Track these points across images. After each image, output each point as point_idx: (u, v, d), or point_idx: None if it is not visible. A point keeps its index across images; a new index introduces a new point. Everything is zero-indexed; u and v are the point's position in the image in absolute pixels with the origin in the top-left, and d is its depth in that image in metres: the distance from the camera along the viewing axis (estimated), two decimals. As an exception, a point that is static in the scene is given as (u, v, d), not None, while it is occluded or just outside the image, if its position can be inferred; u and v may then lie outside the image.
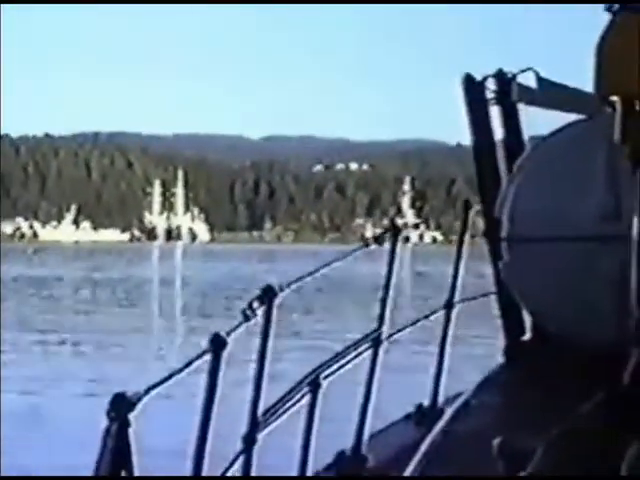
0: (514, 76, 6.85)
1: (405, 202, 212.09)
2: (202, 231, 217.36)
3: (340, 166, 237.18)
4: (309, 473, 5.61)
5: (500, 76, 6.87)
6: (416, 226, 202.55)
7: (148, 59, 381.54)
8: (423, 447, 5.74)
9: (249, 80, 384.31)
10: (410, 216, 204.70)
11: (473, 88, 6.85)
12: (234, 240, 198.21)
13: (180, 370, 4.07)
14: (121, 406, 3.47)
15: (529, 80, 6.86)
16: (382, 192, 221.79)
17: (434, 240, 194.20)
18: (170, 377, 3.97)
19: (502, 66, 6.92)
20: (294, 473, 5.57)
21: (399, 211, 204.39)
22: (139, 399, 3.57)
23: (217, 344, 4.32)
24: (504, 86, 6.85)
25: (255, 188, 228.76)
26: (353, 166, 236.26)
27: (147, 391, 3.68)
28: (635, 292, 5.81)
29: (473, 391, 6.63)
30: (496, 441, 4.02)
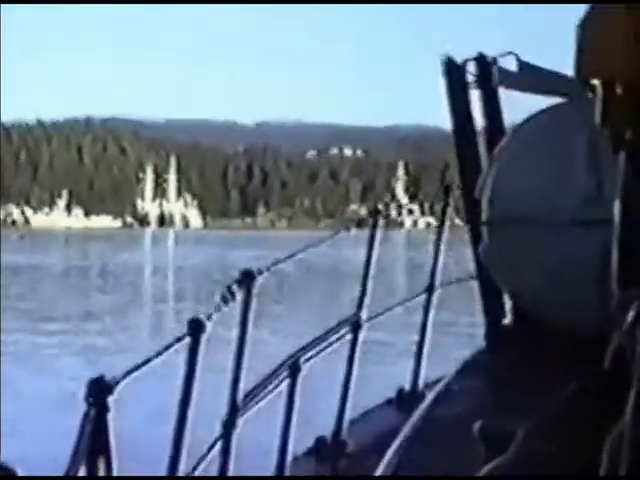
0: (495, 59, 6.83)
1: (399, 188, 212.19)
2: (195, 217, 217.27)
3: (334, 152, 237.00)
4: (289, 458, 5.60)
5: (481, 59, 6.85)
6: (410, 212, 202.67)
7: (141, 43, 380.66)
8: (403, 432, 5.73)
9: (243, 65, 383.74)
10: (404, 202, 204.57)
11: (454, 71, 6.84)
12: (227, 226, 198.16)
13: (159, 354, 4.06)
14: (99, 390, 3.46)
15: (510, 64, 6.85)
16: (376, 178, 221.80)
17: (428, 225, 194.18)
18: (148, 361, 3.96)
19: (499, 50, 6.90)
20: (274, 458, 5.56)
21: (393, 197, 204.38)
22: (117, 383, 3.55)
23: (196, 328, 4.32)
24: (485, 69, 6.83)
25: (248, 174, 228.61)
26: (347, 152, 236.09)
27: (125, 375, 3.66)
28: (616, 275, 5.80)
29: (454, 375, 6.62)
30: (477, 425, 4.01)
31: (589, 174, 6.56)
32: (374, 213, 6.43)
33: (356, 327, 6.26)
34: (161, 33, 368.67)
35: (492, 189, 6.82)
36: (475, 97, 6.99)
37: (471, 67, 6.88)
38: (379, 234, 6.38)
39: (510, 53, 6.79)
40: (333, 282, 48.18)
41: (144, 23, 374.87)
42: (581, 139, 6.45)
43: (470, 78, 6.89)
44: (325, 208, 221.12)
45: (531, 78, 6.83)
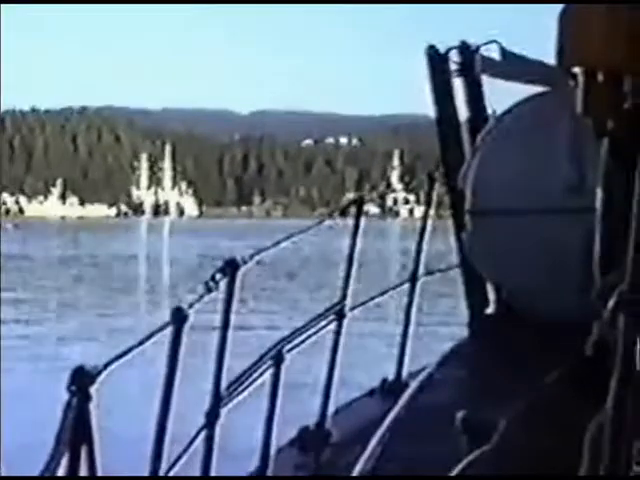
0: (478, 48, 6.81)
1: (394, 176, 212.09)
2: (190, 206, 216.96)
3: (329, 140, 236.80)
4: (273, 449, 5.59)
5: (464, 48, 6.83)
6: (406, 201, 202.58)
7: (136, 32, 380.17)
8: (386, 421, 5.72)
9: (239, 54, 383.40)
10: (399, 190, 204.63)
11: (436, 60, 6.81)
12: (223, 215, 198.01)
13: (140, 343, 4.04)
14: (81, 379, 3.44)
15: (493, 52, 6.83)
16: (371, 167, 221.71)
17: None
18: (130, 350, 3.94)
19: (491, 35, 6.88)
20: (257, 449, 5.55)
21: (388, 186, 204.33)
22: (99, 372, 3.53)
23: (178, 317, 4.30)
24: (468, 58, 6.81)
25: (244, 162, 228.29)
26: (342, 140, 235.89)
27: (107, 364, 3.65)
28: (598, 264, 5.78)
29: (437, 365, 6.61)
30: (459, 414, 4.00)
31: (571, 163, 6.56)
32: (358, 201, 6.42)
33: (340, 316, 6.25)
34: (156, 23, 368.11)
35: (475, 178, 6.81)
36: (458, 85, 6.97)
37: (454, 55, 6.86)
38: (362, 222, 6.37)
39: (494, 41, 6.77)
40: (323, 271, 48.09)
41: (140, 14, 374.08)
42: (563, 128, 6.44)
43: (453, 66, 6.87)
44: (321, 197, 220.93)
45: (514, 67, 6.81)
